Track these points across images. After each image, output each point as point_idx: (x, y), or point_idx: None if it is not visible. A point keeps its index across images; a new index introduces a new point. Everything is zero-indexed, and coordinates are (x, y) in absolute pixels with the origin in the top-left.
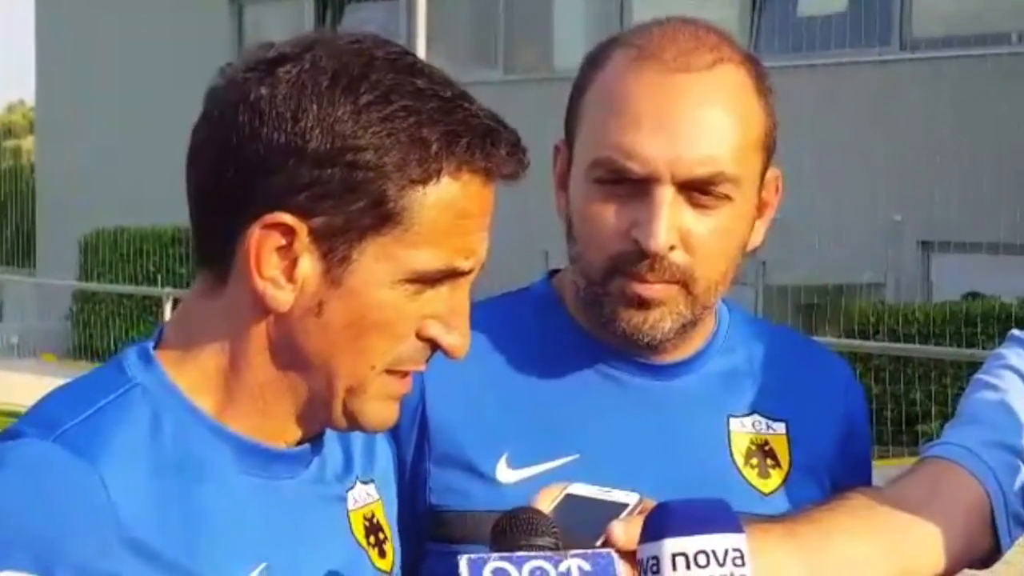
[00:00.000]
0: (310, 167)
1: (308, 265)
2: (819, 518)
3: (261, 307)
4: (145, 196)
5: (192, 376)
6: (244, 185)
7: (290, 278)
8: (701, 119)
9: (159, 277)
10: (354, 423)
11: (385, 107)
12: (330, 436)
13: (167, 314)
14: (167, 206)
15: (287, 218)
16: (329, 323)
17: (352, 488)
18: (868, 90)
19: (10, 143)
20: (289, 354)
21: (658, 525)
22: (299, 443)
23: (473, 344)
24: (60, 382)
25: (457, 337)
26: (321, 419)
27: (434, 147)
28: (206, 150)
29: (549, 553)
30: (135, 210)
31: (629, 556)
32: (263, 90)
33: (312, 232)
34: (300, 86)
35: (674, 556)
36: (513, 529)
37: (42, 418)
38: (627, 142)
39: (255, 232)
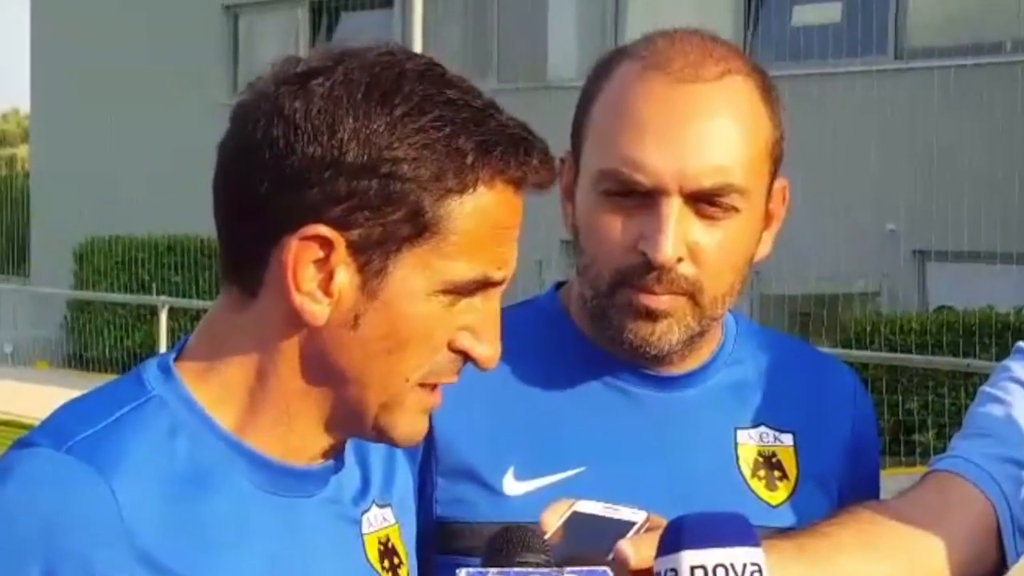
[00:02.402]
0: (347, 179)
1: (345, 278)
2: (828, 532)
3: (295, 321)
4: (140, 205)
5: (214, 389)
6: (279, 198)
7: (327, 291)
8: (708, 130)
9: (154, 286)
10: (384, 437)
11: (420, 118)
12: (349, 457)
13: (163, 322)
14: (162, 215)
15: (325, 230)
16: (365, 336)
17: (368, 511)
18: (862, 99)
19: (5, 151)
20: (321, 368)
21: (676, 538)
22: (320, 460)
23: None
24: (54, 390)
25: (488, 348)
26: (350, 433)
27: (470, 157)
28: (237, 164)
29: (546, 570)
30: (130, 218)
31: (639, 574)
32: (297, 103)
33: (349, 244)
34: (335, 99)
35: (692, 569)
36: (508, 546)
37: (56, 428)
38: (634, 154)
39: (292, 245)
